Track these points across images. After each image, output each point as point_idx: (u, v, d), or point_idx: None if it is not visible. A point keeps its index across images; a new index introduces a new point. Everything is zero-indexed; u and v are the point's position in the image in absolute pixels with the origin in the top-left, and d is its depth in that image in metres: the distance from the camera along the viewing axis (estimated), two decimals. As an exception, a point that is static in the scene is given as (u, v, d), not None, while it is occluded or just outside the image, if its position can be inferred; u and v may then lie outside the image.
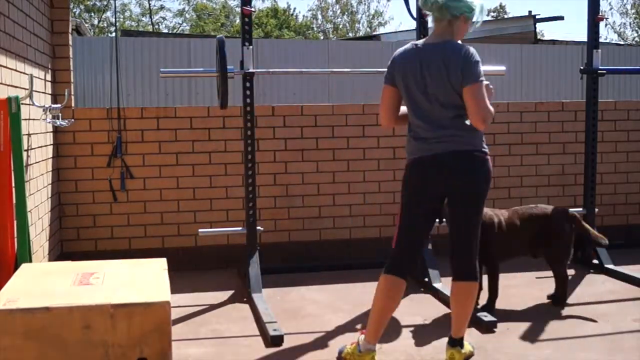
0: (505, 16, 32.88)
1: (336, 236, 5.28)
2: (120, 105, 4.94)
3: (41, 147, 4.35)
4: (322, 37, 33.47)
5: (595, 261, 4.91)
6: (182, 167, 5.04)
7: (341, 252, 5.26)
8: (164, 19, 35.03)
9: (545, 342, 3.47)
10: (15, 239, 3.28)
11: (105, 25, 32.18)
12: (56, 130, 4.78)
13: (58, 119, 4.37)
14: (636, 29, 34.40)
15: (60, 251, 4.90)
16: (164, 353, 2.33)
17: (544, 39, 18.99)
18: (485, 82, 2.99)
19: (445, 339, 3.51)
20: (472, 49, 2.97)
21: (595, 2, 4.93)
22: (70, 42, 4.91)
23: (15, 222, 3.29)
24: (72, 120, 4.62)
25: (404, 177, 3.17)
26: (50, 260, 4.49)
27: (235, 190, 5.04)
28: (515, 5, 53.89)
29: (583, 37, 5.45)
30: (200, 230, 4.67)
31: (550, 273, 4.19)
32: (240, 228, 4.63)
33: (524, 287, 4.49)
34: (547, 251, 4.11)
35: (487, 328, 3.63)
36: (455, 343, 3.13)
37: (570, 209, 5.36)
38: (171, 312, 2.38)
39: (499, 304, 4.09)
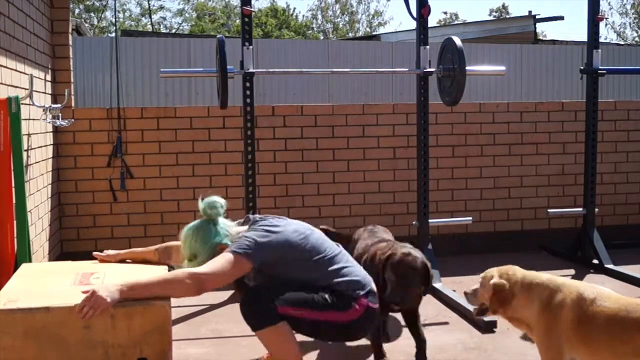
0: (506, 16, 32.89)
1: (336, 236, 5.27)
2: (120, 105, 4.94)
3: (41, 147, 4.35)
4: (322, 37, 33.46)
5: (595, 261, 4.91)
6: (182, 167, 5.04)
7: (341, 252, 5.26)
8: (163, 19, 35.02)
9: (545, 342, 3.47)
10: (15, 239, 3.28)
11: (105, 24, 32.17)
12: (56, 130, 4.78)
13: (58, 119, 4.37)
14: (636, 29, 34.40)
15: (60, 251, 4.90)
16: (164, 353, 2.32)
17: (545, 39, 19.00)
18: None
19: (445, 339, 3.51)
20: None
21: (595, 2, 4.93)
22: (70, 42, 4.91)
23: (15, 222, 3.29)
24: (72, 120, 4.62)
25: None
26: (50, 260, 4.49)
27: (235, 190, 5.04)
28: (517, 6, 53.94)
29: (583, 37, 5.45)
30: (200, 230, 4.66)
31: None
32: (240, 228, 4.63)
33: (524, 287, 4.49)
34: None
35: (487, 328, 3.63)
36: None
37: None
38: (171, 312, 2.38)
39: (499, 304, 4.10)
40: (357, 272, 2.70)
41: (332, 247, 2.72)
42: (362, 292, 2.62)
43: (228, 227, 2.66)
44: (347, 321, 2.57)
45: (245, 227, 2.68)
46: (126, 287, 2.34)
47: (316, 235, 2.70)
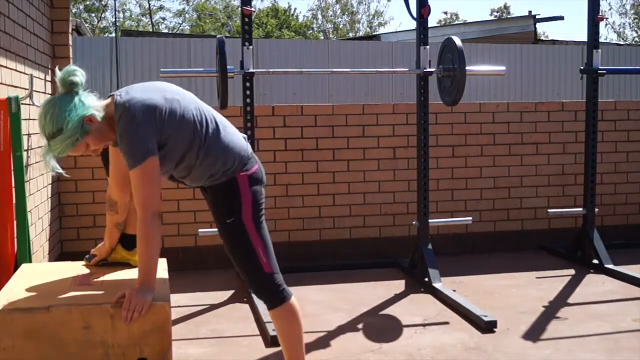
0: (507, 16, 32.90)
1: (336, 236, 5.28)
2: (120, 105, 4.93)
3: (41, 147, 4.34)
4: (322, 37, 33.47)
5: (595, 261, 4.91)
6: (182, 167, 5.03)
7: (341, 252, 5.27)
8: (163, 19, 35.03)
9: (545, 342, 3.48)
10: (15, 239, 3.28)
11: (105, 25, 32.18)
12: (56, 130, 4.78)
13: (58, 119, 4.36)
14: (636, 29, 34.43)
15: (60, 251, 4.90)
16: (164, 353, 2.32)
17: (545, 39, 18.99)
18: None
19: (445, 339, 3.52)
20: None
21: (595, 2, 4.93)
22: (70, 42, 4.92)
23: (15, 222, 3.29)
24: (72, 120, 4.61)
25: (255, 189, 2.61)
26: (50, 260, 4.49)
27: (235, 190, 5.04)
28: (517, 6, 53.97)
29: (583, 37, 5.45)
30: (200, 230, 4.66)
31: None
32: (240, 228, 4.62)
33: (524, 287, 4.49)
34: None
35: (487, 328, 3.63)
36: None
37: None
38: (171, 312, 2.38)
39: (499, 304, 4.10)
40: None
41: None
42: None
43: (89, 97, 2.38)
44: None
45: (108, 101, 2.41)
46: (143, 277, 2.34)
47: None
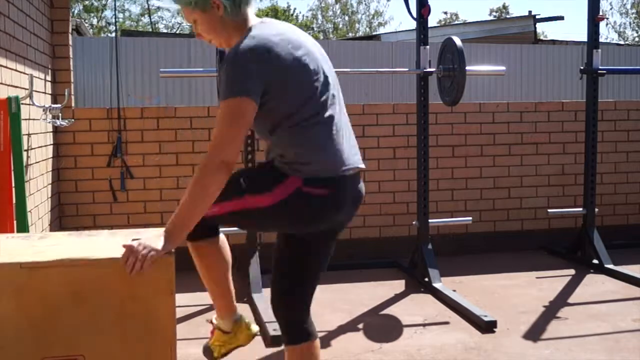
0: (507, 16, 32.90)
1: (336, 236, 5.27)
2: (120, 105, 4.94)
3: (41, 147, 4.35)
4: (322, 37, 33.46)
5: (595, 261, 4.91)
6: (182, 167, 5.04)
7: (341, 252, 5.25)
8: (162, 18, 35.01)
9: (545, 342, 3.48)
10: (15, 239, 3.28)
11: (104, 24, 32.20)
12: (56, 130, 4.78)
13: (58, 119, 4.37)
14: (636, 29, 34.43)
15: (60, 251, 4.89)
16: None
17: (545, 39, 19.00)
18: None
19: (445, 339, 3.52)
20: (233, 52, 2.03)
21: (595, 2, 4.93)
22: (70, 42, 4.91)
23: (15, 222, 3.29)
24: (72, 120, 4.62)
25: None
26: (50, 260, 4.49)
27: (235, 190, 5.03)
28: (517, 6, 53.99)
29: (583, 37, 5.45)
30: (200, 230, 4.66)
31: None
32: (240, 228, 4.62)
33: (524, 287, 4.49)
34: None
35: (487, 328, 3.63)
36: None
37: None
38: (171, 312, 2.38)
39: (499, 304, 4.10)
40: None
41: None
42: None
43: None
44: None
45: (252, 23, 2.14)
46: (173, 228, 2.02)
47: None
